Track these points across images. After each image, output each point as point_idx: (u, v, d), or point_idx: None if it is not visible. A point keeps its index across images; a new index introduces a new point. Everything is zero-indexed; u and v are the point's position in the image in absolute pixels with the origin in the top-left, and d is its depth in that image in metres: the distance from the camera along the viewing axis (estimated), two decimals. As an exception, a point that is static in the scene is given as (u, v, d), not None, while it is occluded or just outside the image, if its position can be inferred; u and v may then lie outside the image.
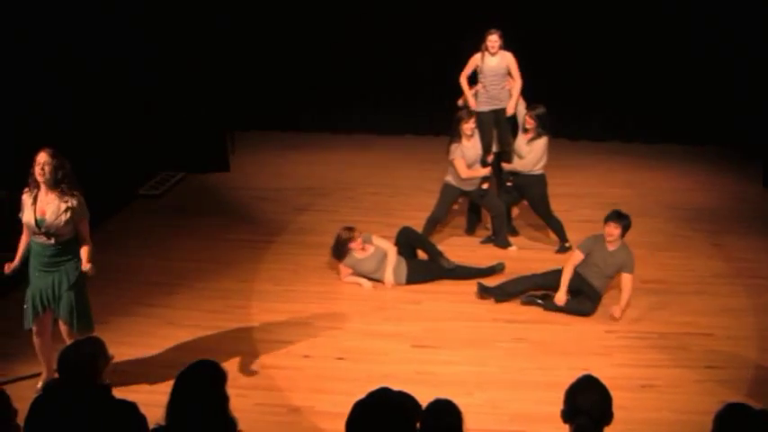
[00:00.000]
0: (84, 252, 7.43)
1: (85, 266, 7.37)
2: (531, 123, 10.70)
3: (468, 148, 10.65)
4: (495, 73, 11.27)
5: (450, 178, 10.89)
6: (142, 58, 13.19)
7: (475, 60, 11.41)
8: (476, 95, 11.39)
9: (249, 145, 15.51)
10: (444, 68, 15.22)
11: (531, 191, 10.97)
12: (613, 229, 9.28)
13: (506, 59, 11.30)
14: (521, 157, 10.83)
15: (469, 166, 10.68)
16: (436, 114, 15.33)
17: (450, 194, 11.00)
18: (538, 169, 10.81)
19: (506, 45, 11.37)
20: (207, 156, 14.26)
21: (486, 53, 11.33)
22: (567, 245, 10.96)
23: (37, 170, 7.16)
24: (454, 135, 10.66)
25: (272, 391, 7.82)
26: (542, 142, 10.68)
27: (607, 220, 9.37)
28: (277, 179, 13.94)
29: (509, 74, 11.33)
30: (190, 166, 14.10)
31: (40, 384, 7.65)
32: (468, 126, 10.60)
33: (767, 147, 11.25)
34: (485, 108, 11.34)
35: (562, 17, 15.39)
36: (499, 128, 11.47)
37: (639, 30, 15.40)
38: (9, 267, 7.50)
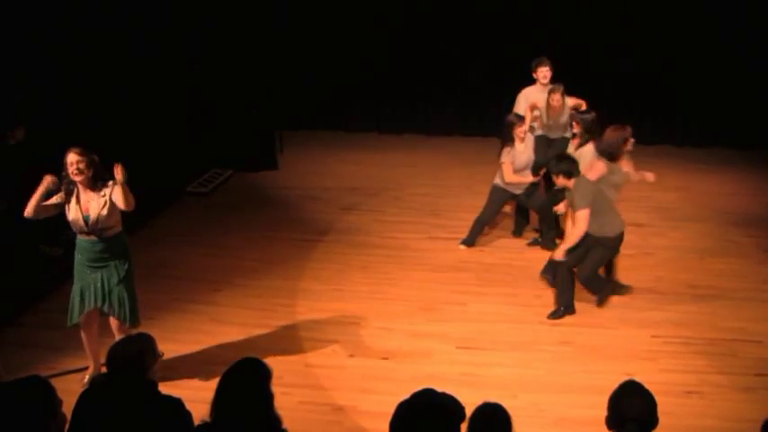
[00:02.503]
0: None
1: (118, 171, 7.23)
2: (577, 128, 10.56)
3: (519, 152, 10.61)
4: (551, 106, 11.21)
5: (498, 181, 10.85)
6: (195, 58, 13.30)
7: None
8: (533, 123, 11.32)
9: (298, 144, 15.58)
10: (494, 70, 15.28)
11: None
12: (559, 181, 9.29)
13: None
14: None
15: (519, 171, 10.64)
16: (485, 116, 15.37)
17: (498, 197, 10.96)
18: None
19: (557, 53, 11.33)
20: (256, 154, 14.34)
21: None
22: None
23: (71, 171, 7.21)
24: (507, 138, 10.61)
25: (317, 390, 7.83)
26: (588, 148, 10.52)
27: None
28: (325, 179, 13.97)
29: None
30: (239, 164, 14.17)
31: (86, 378, 7.75)
32: (521, 129, 10.56)
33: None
34: (539, 132, 11.32)
35: (614, 19, 15.32)
36: (553, 151, 11.35)
37: (692, 32, 15.29)
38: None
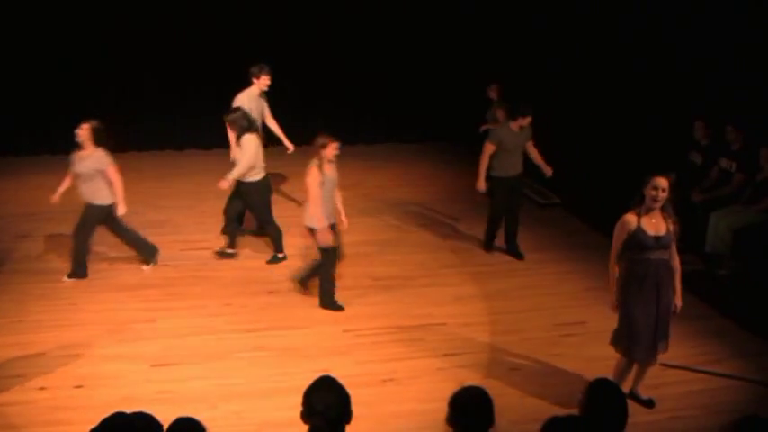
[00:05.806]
0: None
1: None
2: (232, 132, 10.50)
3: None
4: None
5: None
6: None
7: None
8: None
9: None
10: (167, 80, 15.10)
11: (251, 198, 10.87)
12: None
13: None
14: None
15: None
16: (160, 127, 15.18)
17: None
18: (254, 175, 10.63)
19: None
20: None
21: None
22: (280, 255, 11.01)
23: None
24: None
25: (8, 429, 7.44)
26: (245, 142, 10.47)
27: None
28: (-1, 206, 13.31)
29: None
30: None
31: None
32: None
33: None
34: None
35: (284, 23, 15.54)
36: None
37: (362, 33, 15.77)
38: None
